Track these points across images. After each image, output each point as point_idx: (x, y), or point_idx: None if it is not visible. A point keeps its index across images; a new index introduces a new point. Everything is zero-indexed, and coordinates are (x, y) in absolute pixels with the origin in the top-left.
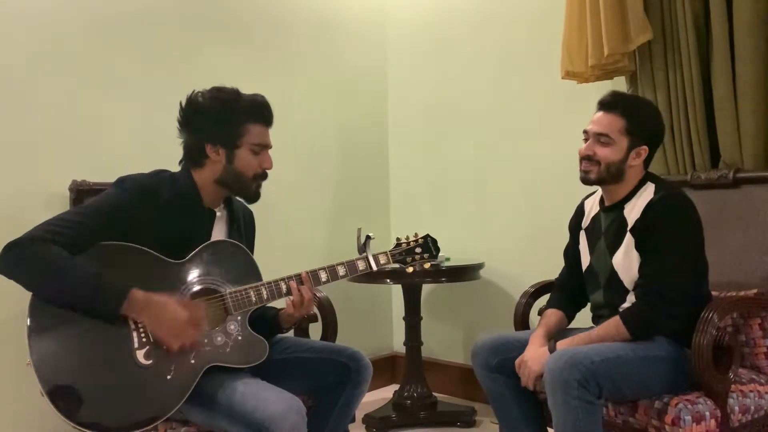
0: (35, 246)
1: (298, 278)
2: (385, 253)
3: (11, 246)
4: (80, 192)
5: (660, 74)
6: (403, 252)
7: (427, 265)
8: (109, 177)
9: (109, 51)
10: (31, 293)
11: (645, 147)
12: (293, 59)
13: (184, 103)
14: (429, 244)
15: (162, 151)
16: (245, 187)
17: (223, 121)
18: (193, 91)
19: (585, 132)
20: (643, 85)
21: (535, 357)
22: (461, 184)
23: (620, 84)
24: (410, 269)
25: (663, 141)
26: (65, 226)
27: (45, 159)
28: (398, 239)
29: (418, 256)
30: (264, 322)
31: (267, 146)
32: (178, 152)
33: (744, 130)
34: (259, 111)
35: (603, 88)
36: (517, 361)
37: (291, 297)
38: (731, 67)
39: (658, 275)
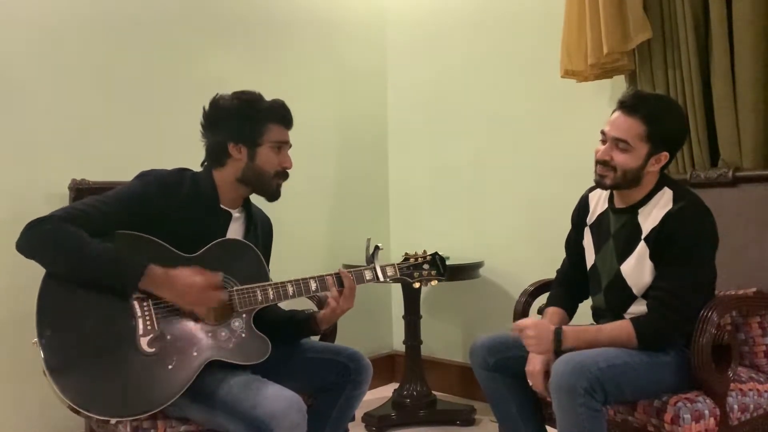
0: (55, 224)
1: (325, 277)
2: (393, 265)
3: (31, 225)
4: (80, 191)
5: (659, 73)
6: (411, 266)
7: (434, 283)
8: (109, 176)
9: (110, 51)
10: (41, 276)
11: (665, 153)
12: (293, 59)
13: (207, 106)
14: (437, 262)
15: (162, 150)
16: (266, 184)
17: (245, 119)
18: (216, 94)
19: (603, 133)
20: (642, 84)
21: (539, 333)
22: (461, 182)
23: (619, 83)
24: (417, 284)
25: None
26: (84, 211)
27: (45, 158)
28: (407, 254)
29: (426, 272)
30: (294, 324)
31: (287, 143)
32: (179, 151)
33: (743, 129)
34: (280, 112)
35: (602, 86)
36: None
37: (328, 294)
38: (731, 66)
39: (678, 290)
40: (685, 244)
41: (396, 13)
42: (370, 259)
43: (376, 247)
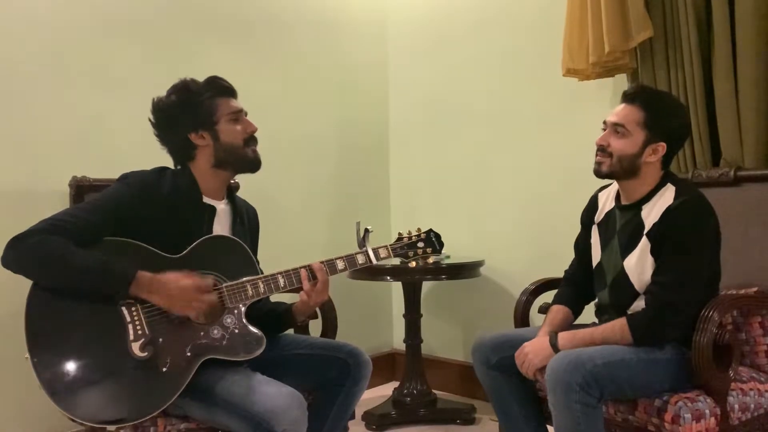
0: (39, 237)
1: (299, 270)
2: (386, 246)
3: (15, 241)
4: (80, 188)
5: (661, 72)
6: (404, 246)
7: (430, 260)
8: (109, 173)
9: (110, 48)
10: (29, 287)
11: (663, 144)
12: (294, 57)
13: (151, 112)
14: (432, 239)
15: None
16: (240, 156)
17: (193, 107)
18: (153, 99)
19: (604, 122)
20: (644, 83)
21: (535, 349)
22: (462, 181)
23: (621, 81)
24: (412, 264)
25: (685, 141)
26: (67, 221)
27: (45, 155)
28: (400, 234)
29: (420, 251)
30: (275, 317)
31: (241, 111)
32: None
33: (745, 128)
34: (220, 85)
35: (604, 85)
36: (516, 353)
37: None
38: (733, 65)
39: (673, 285)
40: (682, 239)
41: (397, 12)
42: (362, 242)
43: (366, 230)
